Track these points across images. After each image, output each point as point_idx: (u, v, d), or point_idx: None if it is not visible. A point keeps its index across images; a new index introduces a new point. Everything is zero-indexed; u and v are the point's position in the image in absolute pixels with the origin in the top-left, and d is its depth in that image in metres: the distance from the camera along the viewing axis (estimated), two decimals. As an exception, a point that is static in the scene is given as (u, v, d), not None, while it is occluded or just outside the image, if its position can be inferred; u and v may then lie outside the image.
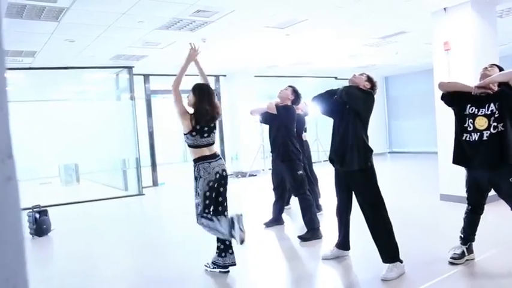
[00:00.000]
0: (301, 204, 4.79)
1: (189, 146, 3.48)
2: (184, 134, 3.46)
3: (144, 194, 8.78)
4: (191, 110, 3.52)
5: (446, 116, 6.02)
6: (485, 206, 3.56)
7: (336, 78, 13.18)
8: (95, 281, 3.88)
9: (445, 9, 5.78)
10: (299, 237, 4.64)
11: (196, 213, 3.52)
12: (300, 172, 4.86)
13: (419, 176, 9.06)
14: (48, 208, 5.82)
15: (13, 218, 0.53)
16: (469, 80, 5.61)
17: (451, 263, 3.52)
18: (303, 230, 4.72)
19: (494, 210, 4.07)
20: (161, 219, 6.69)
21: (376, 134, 13.15)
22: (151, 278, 3.78)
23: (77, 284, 3.82)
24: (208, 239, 5.12)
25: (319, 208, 5.66)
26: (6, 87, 0.52)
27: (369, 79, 3.62)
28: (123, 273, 4.05)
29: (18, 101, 8.31)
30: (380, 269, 3.39)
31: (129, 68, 8.84)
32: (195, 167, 3.47)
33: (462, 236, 3.60)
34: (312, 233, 4.63)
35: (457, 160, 3.49)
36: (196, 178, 3.43)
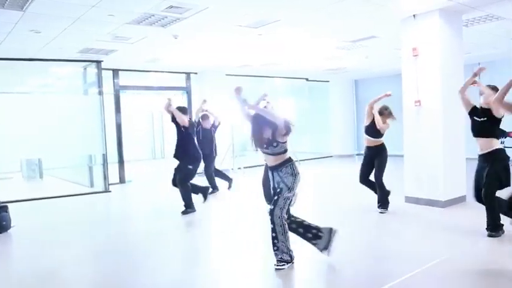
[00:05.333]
0: None
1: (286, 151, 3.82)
2: (283, 142, 3.75)
3: (110, 191, 8.59)
4: None
5: (413, 120, 6.22)
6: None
7: (307, 79, 13.28)
8: (53, 280, 3.76)
9: (414, 16, 5.92)
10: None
11: (280, 206, 3.67)
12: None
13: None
14: (8, 204, 5.61)
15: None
16: (436, 86, 5.81)
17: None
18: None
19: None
20: (126, 217, 6.56)
21: (344, 136, 13.32)
22: (112, 278, 3.70)
23: (35, 283, 3.68)
24: (175, 238, 5.06)
25: None
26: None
27: None
28: (83, 273, 3.93)
29: (-21, 93, 7.97)
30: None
31: (98, 62, 8.62)
32: (289, 166, 3.76)
33: None
34: None
35: None
36: (292, 174, 3.74)
